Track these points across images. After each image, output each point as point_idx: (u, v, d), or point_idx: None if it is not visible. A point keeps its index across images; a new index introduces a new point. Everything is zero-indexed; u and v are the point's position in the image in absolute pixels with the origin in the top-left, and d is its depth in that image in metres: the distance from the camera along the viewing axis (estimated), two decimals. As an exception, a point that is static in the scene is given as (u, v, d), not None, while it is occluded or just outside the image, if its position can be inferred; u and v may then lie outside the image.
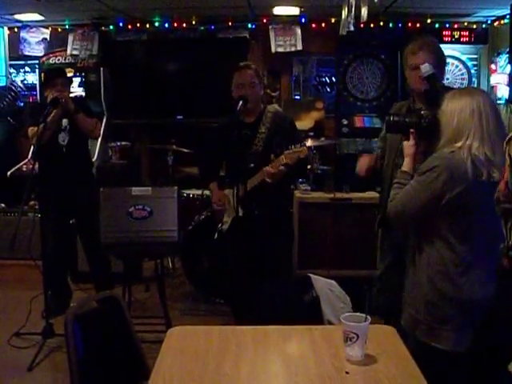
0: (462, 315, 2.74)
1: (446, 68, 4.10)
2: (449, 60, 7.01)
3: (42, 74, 6.68)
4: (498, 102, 6.85)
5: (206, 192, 6.04)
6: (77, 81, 7.53)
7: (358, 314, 2.40)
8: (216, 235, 4.68)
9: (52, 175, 5.16)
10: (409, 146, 3.04)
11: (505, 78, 6.84)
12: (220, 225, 4.62)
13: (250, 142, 4.36)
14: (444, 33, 7.23)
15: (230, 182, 4.48)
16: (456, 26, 7.28)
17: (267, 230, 4.36)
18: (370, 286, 4.31)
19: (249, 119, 4.44)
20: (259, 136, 4.37)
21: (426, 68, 3.56)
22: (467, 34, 7.23)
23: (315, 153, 6.38)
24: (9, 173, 6.98)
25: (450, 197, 2.66)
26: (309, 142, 6.32)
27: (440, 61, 3.73)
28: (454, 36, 7.24)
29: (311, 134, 7.01)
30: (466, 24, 7.30)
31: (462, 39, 7.25)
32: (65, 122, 5.09)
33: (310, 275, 3.75)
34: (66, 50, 7.63)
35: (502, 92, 6.91)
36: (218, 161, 4.73)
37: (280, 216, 4.53)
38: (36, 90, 7.78)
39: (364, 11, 4.39)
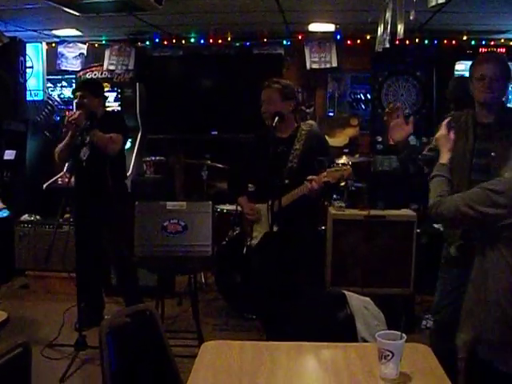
0: None
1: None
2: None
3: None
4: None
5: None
6: (113, 95, 7.62)
7: (393, 331, 2.37)
8: (245, 250, 4.67)
9: (76, 189, 5.17)
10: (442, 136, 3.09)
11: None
12: (249, 239, 4.60)
13: (285, 158, 4.35)
14: (480, 50, 7.13)
15: (261, 197, 4.42)
16: (492, 43, 7.21)
17: (293, 246, 4.33)
18: (405, 304, 4.22)
19: (282, 134, 4.44)
20: (294, 152, 4.37)
21: None
22: (504, 51, 7.12)
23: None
24: (44, 186, 7.07)
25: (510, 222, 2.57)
26: (343, 159, 6.31)
27: (507, 76, 3.65)
28: (490, 53, 7.18)
29: (346, 150, 6.98)
30: (502, 41, 7.22)
31: (498, 56, 7.16)
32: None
33: (345, 292, 3.72)
34: (102, 65, 7.73)
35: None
36: (247, 176, 4.71)
37: (306, 232, 4.50)
38: (72, 105, 7.84)
39: (400, 28, 4.35)
